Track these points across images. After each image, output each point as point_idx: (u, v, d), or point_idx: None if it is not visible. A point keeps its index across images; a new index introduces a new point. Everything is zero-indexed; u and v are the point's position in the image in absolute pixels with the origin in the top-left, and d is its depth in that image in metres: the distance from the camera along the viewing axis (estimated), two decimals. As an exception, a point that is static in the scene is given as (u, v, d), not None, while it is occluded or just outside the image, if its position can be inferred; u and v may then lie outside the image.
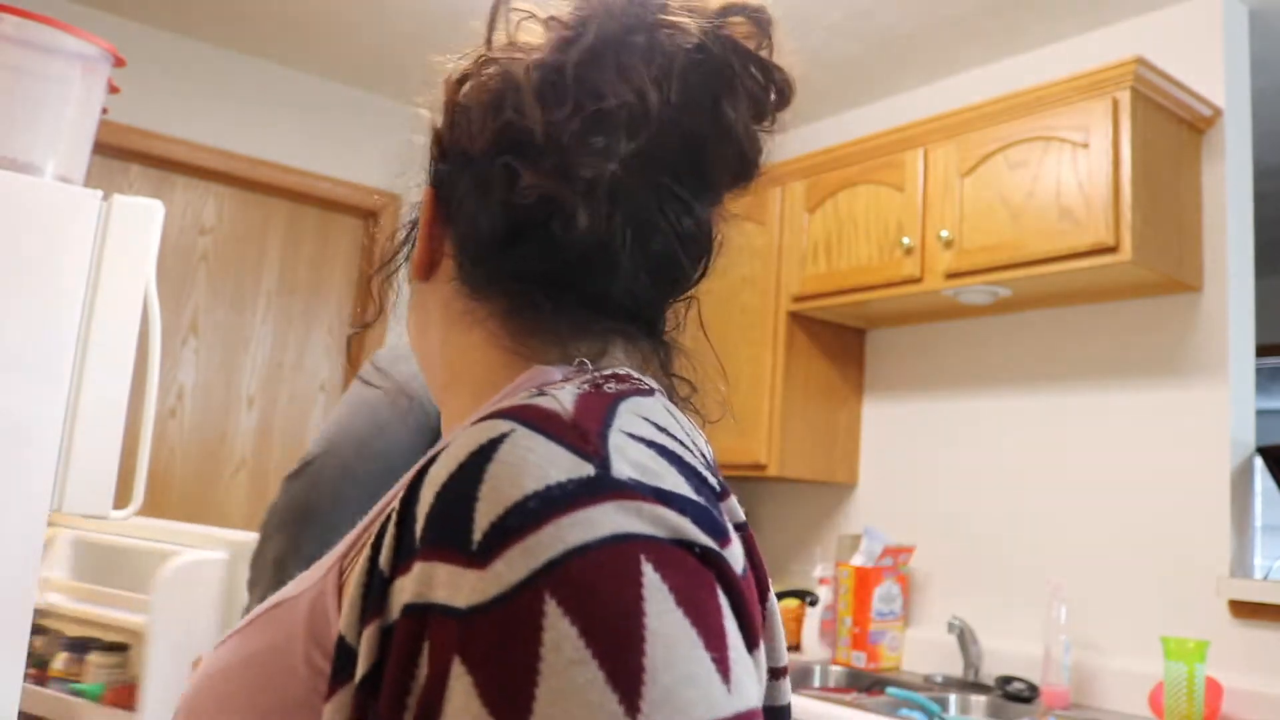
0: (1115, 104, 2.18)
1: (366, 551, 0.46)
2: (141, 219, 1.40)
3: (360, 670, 0.43)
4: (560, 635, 0.38)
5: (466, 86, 0.61)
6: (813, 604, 2.79)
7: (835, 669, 2.66)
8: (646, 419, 0.50)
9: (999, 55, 2.83)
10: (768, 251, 2.92)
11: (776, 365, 2.86)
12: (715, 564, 0.44)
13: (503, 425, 0.44)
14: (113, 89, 1.48)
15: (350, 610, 0.45)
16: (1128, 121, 2.16)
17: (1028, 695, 2.33)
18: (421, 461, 0.47)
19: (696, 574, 0.42)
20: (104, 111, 1.49)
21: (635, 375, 0.57)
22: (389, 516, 0.46)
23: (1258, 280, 2.40)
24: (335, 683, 0.45)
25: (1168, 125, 2.28)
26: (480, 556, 0.40)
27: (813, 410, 2.92)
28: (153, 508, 2.73)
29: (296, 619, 0.50)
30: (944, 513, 2.77)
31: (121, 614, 1.67)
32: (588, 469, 0.43)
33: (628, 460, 0.44)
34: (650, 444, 0.47)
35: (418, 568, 0.41)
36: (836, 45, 2.83)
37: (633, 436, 0.47)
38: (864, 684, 2.53)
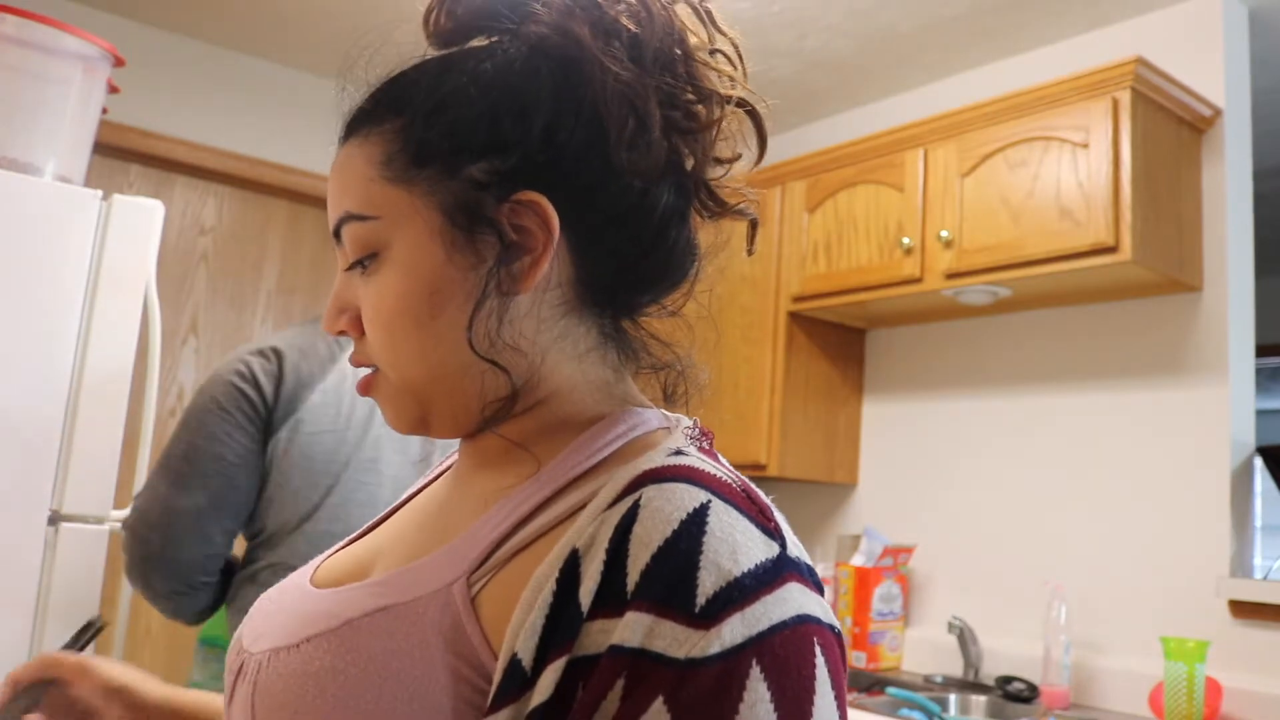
0: (1115, 104, 2.18)
1: (551, 585, 0.50)
2: (141, 219, 1.40)
3: (542, 696, 0.47)
4: (757, 696, 0.46)
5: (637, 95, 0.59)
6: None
7: (835, 669, 2.65)
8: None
9: (999, 55, 2.83)
10: (767, 251, 2.92)
11: (776, 365, 2.86)
12: (840, 641, 0.53)
13: (699, 494, 0.50)
14: (113, 89, 1.48)
15: (530, 635, 0.49)
16: (1128, 121, 2.16)
17: (1028, 695, 2.33)
18: (605, 504, 0.51)
19: (838, 660, 0.51)
20: (104, 111, 1.49)
21: (674, 417, 0.63)
22: (573, 554, 0.50)
23: (1258, 280, 2.40)
24: (502, 698, 0.49)
25: (1168, 125, 2.28)
26: (703, 619, 0.46)
27: (813, 410, 2.92)
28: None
29: (424, 626, 0.53)
30: (944, 513, 2.76)
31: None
32: (775, 548, 0.51)
33: (789, 538, 0.53)
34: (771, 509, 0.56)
35: (631, 616, 0.47)
36: (836, 45, 2.83)
37: (772, 507, 0.56)
38: (864, 684, 2.53)
